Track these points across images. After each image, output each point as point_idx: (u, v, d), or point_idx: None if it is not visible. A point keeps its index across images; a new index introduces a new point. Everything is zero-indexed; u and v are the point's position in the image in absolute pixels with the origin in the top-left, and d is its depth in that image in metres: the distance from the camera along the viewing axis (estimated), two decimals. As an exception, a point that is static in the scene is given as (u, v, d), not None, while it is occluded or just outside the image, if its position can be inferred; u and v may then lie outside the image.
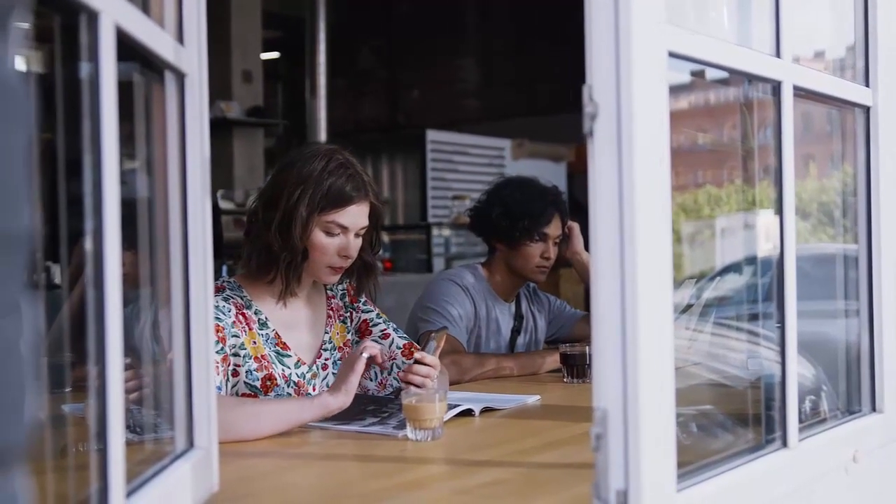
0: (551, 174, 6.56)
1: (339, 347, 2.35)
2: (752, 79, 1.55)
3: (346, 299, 2.40)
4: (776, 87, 1.51)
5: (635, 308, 1.15)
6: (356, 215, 2.19)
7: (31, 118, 0.56)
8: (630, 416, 1.16)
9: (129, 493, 1.08)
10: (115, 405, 1.01)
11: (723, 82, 1.71)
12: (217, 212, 5.98)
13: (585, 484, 1.25)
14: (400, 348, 2.33)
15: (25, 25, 0.59)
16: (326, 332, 2.33)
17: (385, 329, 2.38)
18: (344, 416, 2.03)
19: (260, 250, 2.19)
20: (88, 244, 1.00)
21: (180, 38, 1.34)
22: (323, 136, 8.58)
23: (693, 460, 1.34)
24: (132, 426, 1.32)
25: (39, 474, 0.97)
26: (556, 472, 1.64)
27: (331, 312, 2.36)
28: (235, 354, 2.12)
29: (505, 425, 2.10)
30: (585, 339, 2.96)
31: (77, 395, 1.58)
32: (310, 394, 2.22)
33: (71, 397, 1.64)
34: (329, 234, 2.17)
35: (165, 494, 1.20)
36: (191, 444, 1.37)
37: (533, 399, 2.34)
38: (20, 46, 0.57)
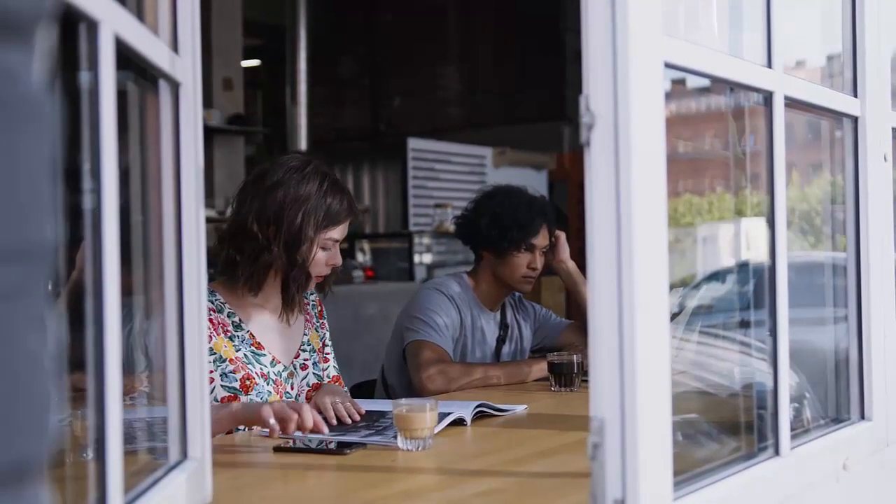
0: (532, 182, 6.57)
1: (319, 350, 2.44)
2: (744, 89, 1.56)
3: (316, 311, 2.50)
4: (768, 98, 1.52)
5: (633, 318, 1.15)
6: (346, 228, 2.33)
7: (55, 131, 0.56)
8: (627, 426, 1.16)
9: (126, 505, 1.08)
10: (114, 417, 1.00)
11: (703, 91, 1.72)
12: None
13: (579, 493, 1.25)
14: (330, 378, 2.44)
15: (49, 39, 0.59)
16: (305, 334, 2.42)
17: (328, 354, 2.50)
18: (339, 430, 2.03)
19: (262, 267, 2.25)
20: (87, 254, 0.99)
21: (175, 47, 1.33)
22: (304, 144, 8.57)
23: (688, 469, 1.35)
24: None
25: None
26: (550, 482, 1.64)
27: (307, 317, 2.45)
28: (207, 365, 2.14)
29: (495, 435, 2.10)
30: (571, 347, 2.97)
31: (67, 405, 1.57)
32: (288, 392, 2.31)
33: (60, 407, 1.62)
34: (324, 249, 2.29)
35: (161, 506, 1.20)
36: (184, 454, 1.36)
37: (521, 408, 2.34)
38: (44, 60, 0.57)
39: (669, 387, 1.22)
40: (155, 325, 1.39)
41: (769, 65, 1.51)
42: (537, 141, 8.57)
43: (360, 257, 7.53)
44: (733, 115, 1.73)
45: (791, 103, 1.58)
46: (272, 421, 1.91)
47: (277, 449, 1.88)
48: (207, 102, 7.49)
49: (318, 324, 2.48)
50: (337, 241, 2.31)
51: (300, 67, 8.62)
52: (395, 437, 1.88)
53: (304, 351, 2.40)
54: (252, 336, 2.28)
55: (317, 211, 2.23)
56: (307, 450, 1.87)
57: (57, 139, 0.57)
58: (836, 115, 1.82)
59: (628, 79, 1.15)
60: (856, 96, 1.82)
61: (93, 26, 0.98)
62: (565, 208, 7.69)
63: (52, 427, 0.54)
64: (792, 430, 1.56)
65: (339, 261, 2.32)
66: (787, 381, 1.53)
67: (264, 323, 2.33)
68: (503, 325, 3.15)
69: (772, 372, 1.53)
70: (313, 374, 2.40)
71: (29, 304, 0.52)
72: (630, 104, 1.15)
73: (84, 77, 1.00)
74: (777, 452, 1.52)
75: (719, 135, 1.93)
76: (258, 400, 2.20)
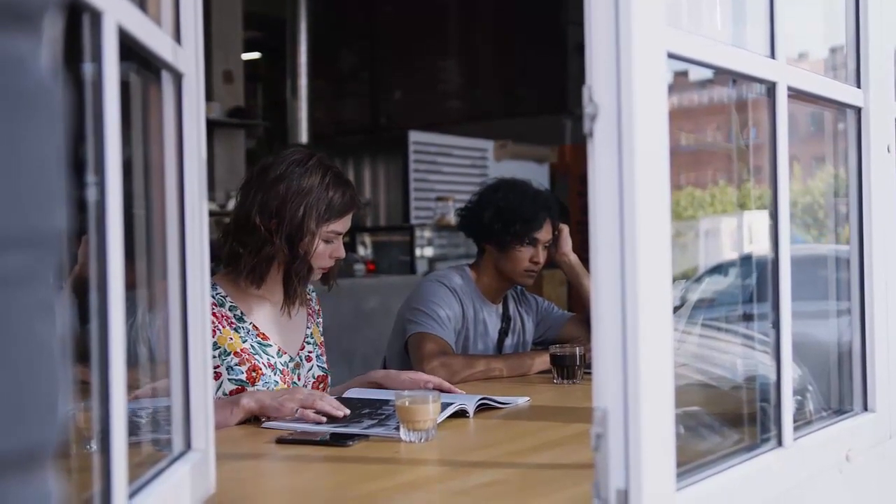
0: (534, 175, 6.57)
1: (320, 344, 2.47)
2: (747, 79, 1.56)
3: (317, 307, 2.53)
4: (771, 88, 1.52)
5: (636, 308, 1.15)
6: (349, 221, 2.34)
7: (63, 119, 0.56)
8: (630, 416, 1.16)
9: (130, 496, 1.08)
10: (118, 408, 1.00)
11: (705, 83, 1.72)
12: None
13: (582, 484, 1.25)
14: (314, 378, 2.42)
15: (59, 24, 0.59)
16: (308, 328, 2.44)
17: (321, 353, 2.49)
18: (341, 419, 2.03)
19: (264, 260, 2.26)
20: (91, 246, 0.99)
21: (178, 37, 1.33)
22: (304, 137, 8.57)
23: (691, 460, 1.35)
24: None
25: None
26: (553, 473, 1.65)
27: (310, 311, 2.47)
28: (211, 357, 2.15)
29: (497, 427, 2.10)
30: (573, 340, 2.97)
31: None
32: (295, 383, 2.34)
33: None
34: (326, 241, 2.30)
35: (165, 496, 1.20)
36: (188, 445, 1.36)
37: (523, 400, 2.34)
38: (53, 47, 0.57)
39: (672, 377, 1.22)
40: (158, 317, 1.39)
41: (772, 55, 1.51)
42: (538, 134, 8.57)
43: (361, 251, 7.54)
44: (736, 107, 1.73)
45: (794, 94, 1.58)
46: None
47: (280, 441, 1.88)
48: (208, 95, 7.43)
49: (318, 320, 2.51)
50: (339, 233, 2.32)
51: (301, 60, 8.63)
52: (398, 428, 1.88)
53: (308, 344, 2.42)
54: (256, 328, 2.30)
55: (318, 204, 2.25)
56: (310, 441, 1.87)
57: (65, 127, 0.57)
58: (840, 106, 1.82)
59: (631, 69, 1.15)
60: (859, 87, 1.82)
61: (96, 17, 0.98)
62: (566, 201, 7.69)
63: (62, 414, 0.54)
64: (795, 422, 1.57)
65: (342, 253, 2.34)
66: (791, 372, 1.53)
67: (267, 315, 2.34)
68: (506, 318, 3.15)
69: (775, 364, 1.54)
70: (317, 366, 2.42)
71: (38, 291, 0.52)
72: (633, 94, 1.15)
73: (88, 68, 1.00)
74: (780, 443, 1.52)
75: (722, 127, 1.93)
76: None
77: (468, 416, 2.11)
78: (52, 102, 0.55)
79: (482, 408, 2.20)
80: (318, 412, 2.02)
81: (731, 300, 2.30)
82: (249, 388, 2.20)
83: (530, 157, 8.43)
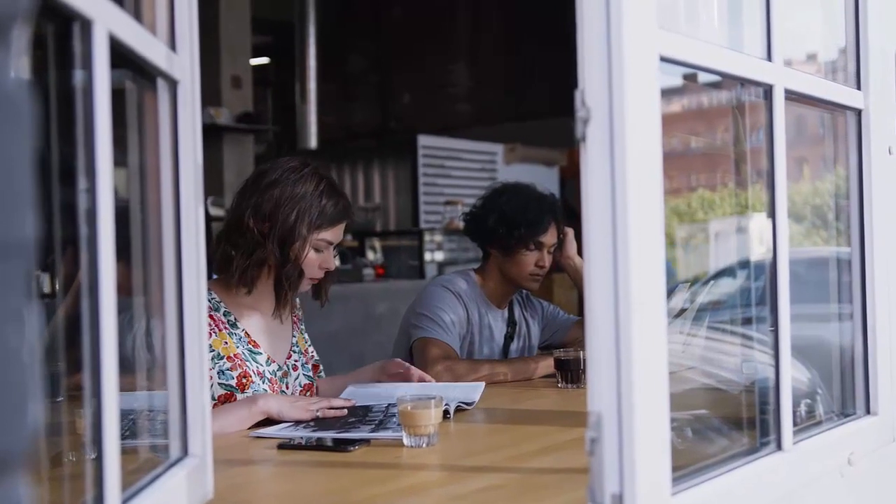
0: (543, 179, 6.57)
1: (304, 352, 2.48)
2: (743, 82, 1.56)
3: (300, 314, 2.55)
4: (768, 91, 1.51)
5: (629, 312, 1.15)
6: (341, 232, 2.36)
7: (32, 127, 0.56)
8: (625, 420, 1.16)
9: (125, 502, 1.08)
10: (111, 414, 1.01)
11: (714, 86, 1.72)
12: (207, 219, 5.99)
13: (581, 488, 1.25)
14: (301, 387, 2.44)
15: (27, 34, 0.59)
16: (293, 336, 2.46)
17: (305, 361, 2.49)
18: (333, 427, 2.03)
19: (256, 263, 2.27)
20: (82, 253, 0.99)
21: (172, 45, 1.33)
22: (313, 142, 8.58)
23: (688, 464, 1.34)
24: (124, 433, 1.31)
25: (34, 483, 0.97)
26: (552, 477, 1.64)
27: (295, 320, 2.49)
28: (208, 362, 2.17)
29: (500, 431, 2.10)
30: (579, 344, 2.96)
31: (70, 404, 1.57)
32: (283, 391, 2.36)
33: (63, 407, 1.62)
34: (317, 250, 2.31)
35: (160, 502, 1.20)
36: (185, 451, 1.36)
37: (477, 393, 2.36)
38: (22, 55, 0.57)
39: (666, 381, 1.22)
40: (156, 323, 1.40)
41: (769, 58, 1.51)
42: (548, 137, 8.56)
43: (370, 255, 7.54)
44: (744, 109, 1.73)
45: (793, 97, 1.57)
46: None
47: (282, 446, 1.89)
48: (216, 100, 7.50)
49: (302, 327, 2.53)
50: (330, 243, 2.33)
51: (309, 65, 8.64)
52: (397, 429, 1.88)
53: (294, 352, 2.44)
54: (248, 335, 2.32)
55: (311, 210, 2.27)
56: (311, 447, 1.87)
57: (35, 136, 0.57)
58: (840, 108, 1.82)
59: (623, 73, 1.15)
60: (859, 89, 1.81)
61: (86, 25, 0.99)
62: (575, 204, 7.67)
63: (32, 421, 0.55)
64: (801, 425, 1.56)
65: (331, 265, 2.35)
66: (790, 375, 1.52)
67: (257, 323, 2.36)
68: (511, 322, 3.14)
69: (774, 366, 1.53)
70: (303, 375, 2.45)
71: (7, 299, 0.52)
72: (625, 98, 1.15)
73: (79, 76, 1.01)
74: (779, 447, 1.51)
75: (731, 130, 1.92)
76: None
77: (449, 418, 2.13)
78: (21, 112, 0.55)
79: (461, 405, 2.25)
80: (332, 409, 2.14)
81: (740, 303, 2.30)
82: (239, 395, 2.21)
83: (540, 160, 8.42)
